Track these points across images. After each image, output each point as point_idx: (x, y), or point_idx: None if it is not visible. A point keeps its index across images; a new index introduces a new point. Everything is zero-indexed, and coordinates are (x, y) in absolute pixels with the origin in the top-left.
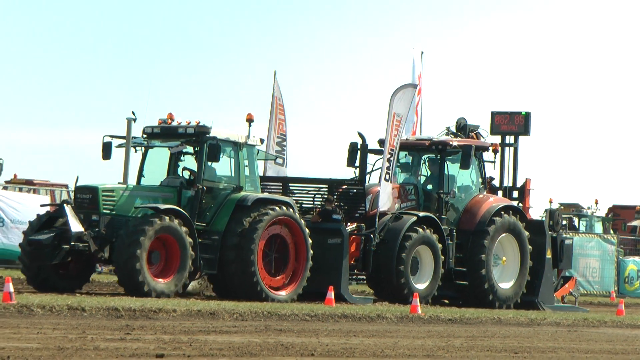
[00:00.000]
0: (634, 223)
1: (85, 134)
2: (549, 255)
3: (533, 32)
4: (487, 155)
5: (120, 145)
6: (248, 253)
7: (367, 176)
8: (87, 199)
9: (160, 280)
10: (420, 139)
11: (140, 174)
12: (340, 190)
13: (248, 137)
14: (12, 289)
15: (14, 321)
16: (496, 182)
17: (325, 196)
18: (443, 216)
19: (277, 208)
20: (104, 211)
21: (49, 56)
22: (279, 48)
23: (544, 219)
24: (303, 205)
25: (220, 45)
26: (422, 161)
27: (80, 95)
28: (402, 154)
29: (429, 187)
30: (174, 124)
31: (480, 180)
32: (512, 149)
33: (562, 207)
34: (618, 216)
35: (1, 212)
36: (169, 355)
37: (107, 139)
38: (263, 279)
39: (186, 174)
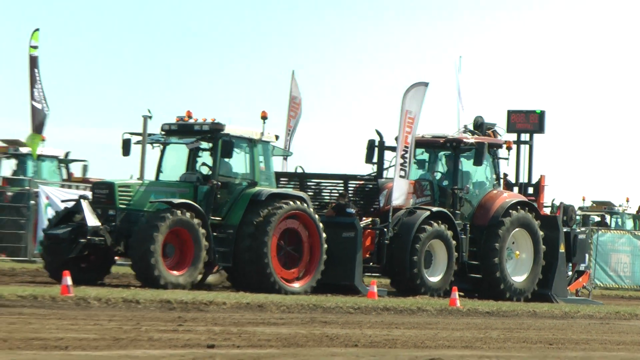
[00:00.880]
0: None
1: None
2: (562, 249)
3: (549, 34)
4: (502, 153)
5: (137, 142)
6: (262, 246)
7: (385, 172)
8: (104, 194)
9: (175, 272)
10: (436, 137)
11: (159, 170)
12: (357, 186)
13: (262, 133)
14: (70, 282)
15: (72, 313)
16: (512, 179)
17: (340, 191)
18: (457, 211)
19: (290, 202)
20: (120, 206)
21: (77, 56)
22: (296, 49)
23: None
24: (322, 201)
25: (242, 47)
26: (437, 158)
27: (105, 94)
28: (419, 150)
29: (445, 183)
30: (192, 121)
31: (494, 176)
32: (527, 146)
33: (594, 204)
34: None
35: None
36: (219, 345)
37: (127, 136)
38: (276, 271)
39: (204, 170)
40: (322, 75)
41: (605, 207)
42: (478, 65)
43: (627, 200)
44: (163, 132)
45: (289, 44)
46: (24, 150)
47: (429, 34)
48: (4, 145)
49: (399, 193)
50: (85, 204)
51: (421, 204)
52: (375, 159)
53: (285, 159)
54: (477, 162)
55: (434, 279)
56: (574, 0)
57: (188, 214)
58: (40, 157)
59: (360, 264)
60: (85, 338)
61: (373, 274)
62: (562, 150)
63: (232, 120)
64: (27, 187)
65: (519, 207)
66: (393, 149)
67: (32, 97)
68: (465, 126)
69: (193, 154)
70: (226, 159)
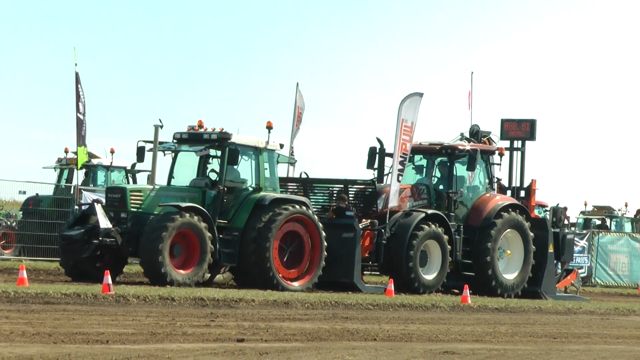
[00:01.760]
0: None
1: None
2: (551, 249)
3: (542, 47)
4: (495, 159)
5: (150, 150)
6: (265, 247)
7: (385, 177)
8: (116, 198)
9: (182, 271)
10: (433, 144)
11: (171, 176)
12: (357, 190)
13: (268, 142)
14: (110, 281)
15: (112, 309)
16: (505, 183)
17: (340, 195)
18: (452, 213)
19: (292, 207)
20: (132, 209)
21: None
22: (301, 60)
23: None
24: (324, 204)
25: (250, 62)
26: (434, 164)
27: (121, 104)
28: (418, 157)
29: (440, 187)
30: (202, 130)
31: (487, 180)
32: (519, 152)
33: (595, 209)
34: None
35: None
36: (248, 340)
37: (141, 144)
38: (278, 271)
39: (213, 176)
40: (326, 85)
41: (606, 211)
42: (474, 76)
43: (626, 205)
44: (175, 141)
45: (294, 56)
46: (94, 161)
47: (426, 46)
48: (76, 157)
49: (394, 196)
50: (98, 207)
51: (418, 206)
52: (376, 165)
53: (292, 165)
54: (470, 167)
55: (429, 276)
56: (565, 11)
57: (195, 217)
58: (110, 168)
59: (359, 262)
60: (124, 333)
61: (372, 272)
62: (564, 157)
63: (241, 129)
64: (72, 193)
65: (510, 209)
66: (392, 155)
67: (78, 110)
68: (461, 134)
69: (203, 161)
70: (233, 166)
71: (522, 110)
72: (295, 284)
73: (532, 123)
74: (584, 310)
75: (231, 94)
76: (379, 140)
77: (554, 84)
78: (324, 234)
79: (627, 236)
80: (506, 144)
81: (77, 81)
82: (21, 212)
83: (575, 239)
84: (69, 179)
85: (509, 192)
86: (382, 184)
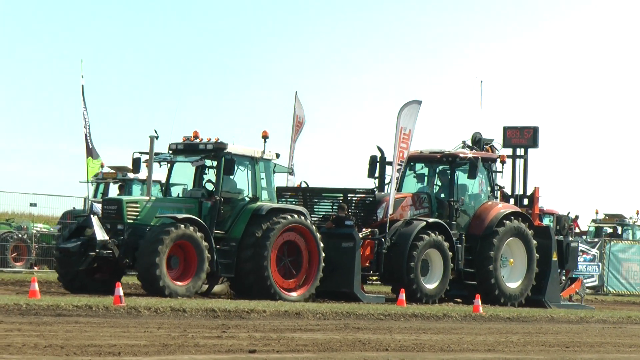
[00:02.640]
0: None
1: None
2: (555, 257)
3: (544, 54)
4: (497, 166)
5: (145, 161)
6: (262, 258)
7: (386, 186)
8: (113, 210)
9: (179, 282)
10: (434, 152)
11: (167, 187)
12: (357, 199)
13: (264, 152)
14: (122, 293)
15: (123, 321)
16: (508, 191)
17: (339, 204)
18: (453, 222)
19: (290, 216)
20: (128, 221)
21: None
22: (298, 71)
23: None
24: (324, 213)
25: (247, 71)
26: (435, 172)
27: (117, 115)
28: (419, 165)
29: (442, 195)
30: (198, 140)
31: (489, 188)
32: (522, 160)
33: (607, 217)
34: None
35: None
36: (260, 350)
37: (137, 155)
38: (276, 281)
39: (209, 186)
40: (325, 94)
41: (617, 219)
42: (476, 83)
43: (638, 213)
44: (170, 151)
45: (291, 65)
46: (130, 175)
47: (426, 54)
48: (112, 171)
49: (393, 205)
50: (94, 219)
51: (419, 215)
52: (376, 174)
53: (292, 174)
54: (471, 175)
55: (430, 286)
56: (567, 16)
57: (192, 228)
58: (145, 182)
59: (359, 272)
60: (136, 344)
61: (373, 282)
62: (573, 164)
63: (237, 139)
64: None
65: (512, 217)
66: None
67: (84, 123)
68: (464, 142)
69: (200, 171)
70: (229, 176)
71: (524, 118)
72: (294, 294)
73: (534, 130)
74: (597, 319)
75: (227, 104)
76: (380, 149)
77: (557, 91)
78: (321, 243)
79: (638, 244)
80: (509, 151)
81: (83, 94)
82: (59, 226)
83: (586, 247)
84: (105, 193)
85: (512, 200)
86: (382, 193)
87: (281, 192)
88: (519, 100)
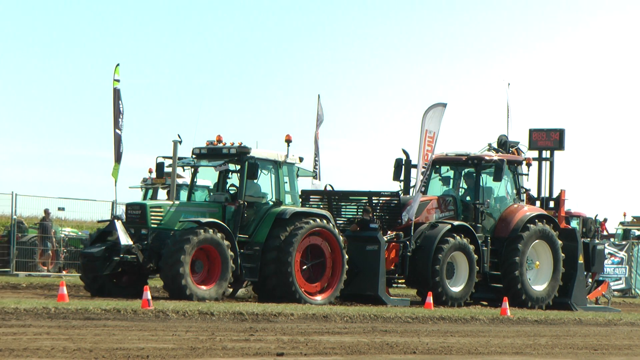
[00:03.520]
0: None
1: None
2: (581, 260)
3: (571, 56)
4: (523, 169)
5: (169, 166)
6: (286, 262)
7: (411, 189)
8: (137, 214)
9: (203, 287)
10: (459, 154)
11: (191, 191)
12: (383, 202)
13: (287, 156)
14: (149, 296)
15: (151, 324)
16: (534, 193)
17: (364, 207)
18: (479, 225)
19: (313, 220)
20: (152, 225)
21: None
22: (323, 75)
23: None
24: (345, 216)
25: (273, 75)
26: (461, 175)
27: (140, 119)
28: (444, 168)
29: (467, 198)
30: (221, 145)
31: (514, 191)
32: (548, 162)
33: (634, 219)
34: None
35: None
36: (288, 353)
37: (160, 160)
38: (300, 285)
39: (232, 190)
40: (350, 96)
41: None
42: (502, 86)
43: None
44: (194, 156)
45: (316, 68)
46: (179, 180)
47: (451, 56)
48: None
49: (417, 208)
50: (118, 224)
51: (444, 218)
52: (402, 177)
53: (315, 178)
54: (497, 178)
55: (456, 289)
56: (594, 19)
57: (216, 233)
58: (194, 187)
59: (384, 275)
60: (164, 348)
61: (399, 285)
62: (600, 167)
63: (260, 143)
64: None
65: (537, 220)
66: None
67: (117, 126)
68: (489, 144)
69: (223, 176)
70: (253, 180)
71: (550, 120)
72: (318, 297)
73: (560, 132)
74: (625, 322)
75: (250, 107)
76: (405, 152)
77: (583, 93)
78: (345, 247)
79: None
80: (535, 154)
81: (117, 97)
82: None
83: (614, 250)
84: (153, 198)
85: (537, 203)
86: (407, 196)
87: (308, 196)
88: (544, 103)
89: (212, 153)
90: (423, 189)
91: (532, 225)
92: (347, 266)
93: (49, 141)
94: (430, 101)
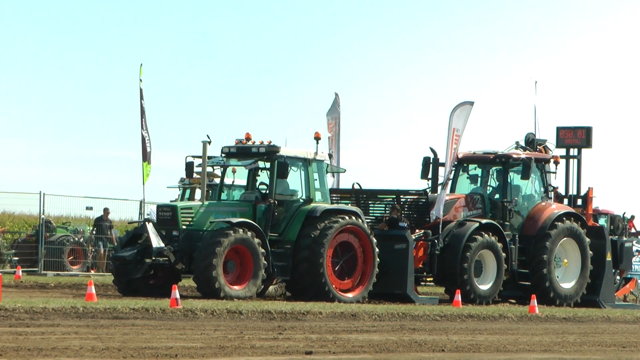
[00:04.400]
0: None
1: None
2: (609, 257)
3: (598, 53)
4: (551, 167)
5: (199, 165)
6: (318, 259)
7: (439, 187)
8: (168, 216)
9: (236, 287)
10: (487, 153)
11: (221, 190)
12: (411, 200)
13: (316, 153)
14: (178, 296)
15: (180, 324)
16: (562, 191)
17: (392, 205)
18: (507, 223)
19: (344, 217)
20: (183, 226)
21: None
22: (352, 72)
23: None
24: (374, 214)
25: (300, 72)
26: (489, 173)
27: (168, 119)
28: (472, 166)
29: (495, 196)
30: (250, 143)
31: (542, 189)
32: (575, 160)
33: None
34: None
35: None
36: (316, 352)
37: (190, 159)
38: (332, 282)
39: (263, 189)
40: (377, 95)
41: None
42: (530, 84)
43: None
44: (223, 155)
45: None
46: (217, 180)
47: (478, 54)
48: (198, 177)
49: (445, 206)
50: (150, 227)
51: (472, 216)
52: (429, 175)
53: (337, 173)
54: (525, 176)
55: (484, 287)
56: (620, 18)
57: (247, 232)
58: (232, 187)
59: (412, 274)
60: (192, 347)
61: (427, 283)
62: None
63: (288, 139)
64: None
65: (565, 218)
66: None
67: (142, 127)
68: (517, 142)
69: (252, 174)
70: (283, 179)
71: (577, 118)
72: (349, 295)
73: (587, 130)
74: None
75: (278, 104)
76: (433, 150)
77: (611, 91)
78: (376, 244)
79: None
80: (562, 151)
81: (141, 97)
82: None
83: None
84: (191, 198)
85: (565, 201)
86: (435, 194)
87: (338, 196)
88: (572, 100)
89: (241, 152)
90: (448, 187)
91: (560, 223)
92: (378, 260)
93: (77, 141)
94: (457, 99)
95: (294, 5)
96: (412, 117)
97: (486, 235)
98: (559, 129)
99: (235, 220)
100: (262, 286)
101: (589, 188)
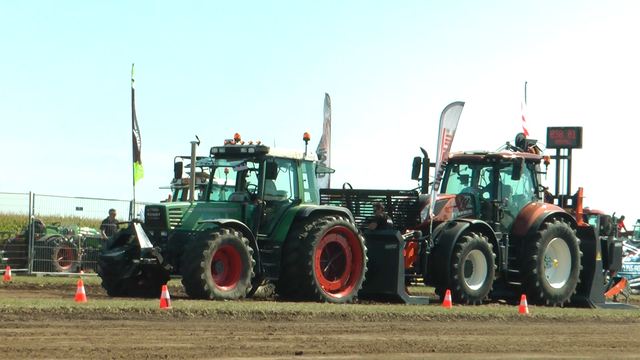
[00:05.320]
0: None
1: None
2: (599, 257)
3: (588, 53)
4: (541, 167)
5: (187, 166)
6: (306, 260)
7: (430, 187)
8: (156, 217)
9: (224, 287)
10: (477, 153)
11: (209, 191)
12: (401, 201)
13: (305, 154)
14: (168, 296)
15: (170, 324)
16: (552, 191)
17: (377, 203)
18: (497, 223)
19: (333, 218)
20: (171, 227)
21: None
22: (341, 72)
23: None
24: (364, 215)
25: (288, 73)
26: (479, 173)
27: (157, 119)
28: (463, 166)
29: (486, 196)
30: (239, 143)
31: (533, 189)
32: (566, 160)
33: None
34: None
35: None
36: (306, 352)
37: (178, 160)
38: (321, 283)
39: (252, 189)
40: (367, 95)
41: None
42: (519, 84)
43: None
44: (212, 155)
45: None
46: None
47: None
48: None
49: (436, 206)
50: (138, 227)
51: (463, 216)
52: (420, 175)
53: (324, 174)
54: (515, 176)
55: (475, 287)
56: (609, 18)
57: (236, 233)
58: (224, 187)
59: (402, 274)
60: (182, 347)
61: (417, 283)
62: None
63: (277, 140)
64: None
65: (555, 218)
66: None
67: (133, 127)
68: (507, 143)
69: (241, 175)
70: (272, 179)
71: (568, 118)
72: (338, 295)
73: (578, 130)
74: None
75: (267, 105)
76: (423, 150)
77: (601, 91)
78: (364, 243)
79: None
80: (552, 152)
81: (133, 98)
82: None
83: (633, 247)
84: (183, 199)
85: (555, 201)
86: (425, 195)
87: (328, 196)
88: (562, 101)
89: (230, 152)
90: (438, 187)
91: (550, 223)
92: (367, 259)
93: (68, 141)
94: (447, 99)
95: (284, 5)
96: (402, 117)
97: (476, 236)
98: (549, 129)
99: (223, 220)
100: (251, 286)
101: (579, 188)
